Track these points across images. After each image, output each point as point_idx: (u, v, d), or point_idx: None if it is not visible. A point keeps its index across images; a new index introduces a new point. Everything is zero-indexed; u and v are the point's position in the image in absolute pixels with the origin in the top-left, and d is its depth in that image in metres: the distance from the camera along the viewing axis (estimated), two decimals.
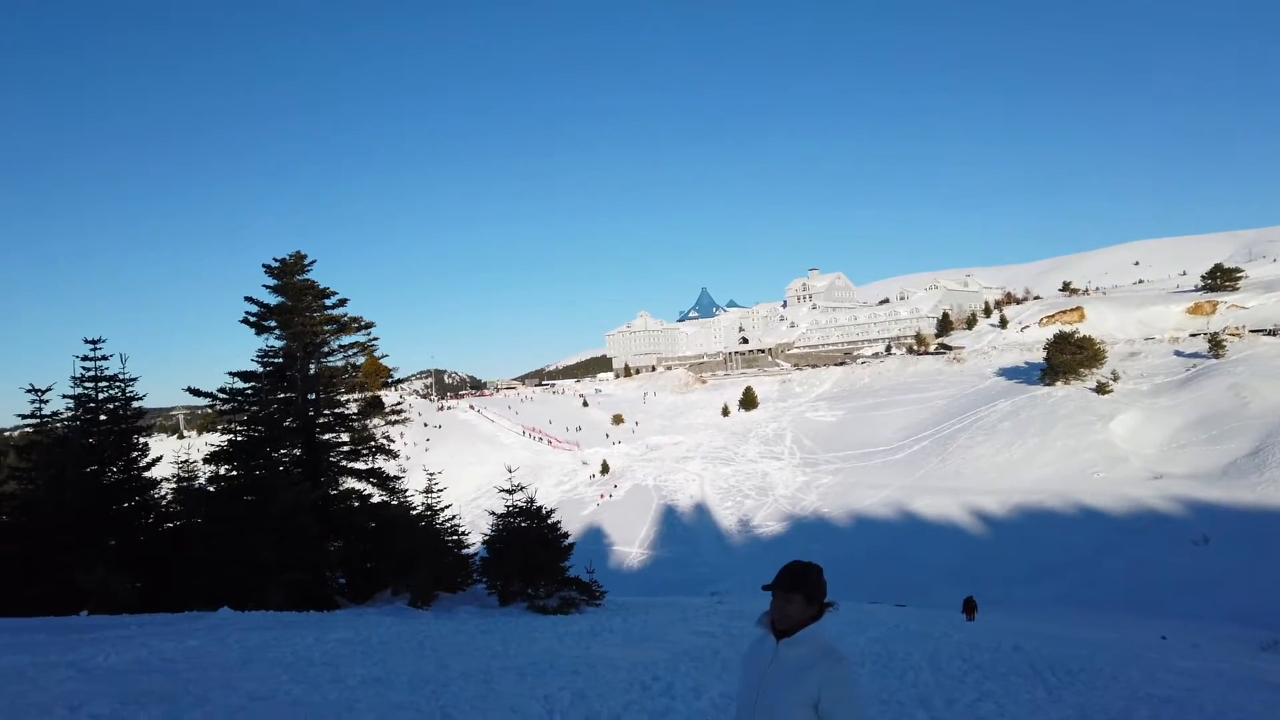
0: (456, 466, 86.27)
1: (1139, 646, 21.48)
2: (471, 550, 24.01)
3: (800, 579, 3.33)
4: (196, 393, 22.75)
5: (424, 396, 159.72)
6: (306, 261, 23.43)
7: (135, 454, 20.21)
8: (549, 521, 20.06)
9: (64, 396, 18.77)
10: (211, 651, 9.81)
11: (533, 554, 18.94)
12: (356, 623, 13.84)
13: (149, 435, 23.07)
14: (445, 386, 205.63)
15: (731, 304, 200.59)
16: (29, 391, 18.31)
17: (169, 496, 20.94)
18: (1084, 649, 19.13)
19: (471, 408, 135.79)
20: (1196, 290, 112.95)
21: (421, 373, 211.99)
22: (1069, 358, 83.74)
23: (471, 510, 58.02)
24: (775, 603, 3.31)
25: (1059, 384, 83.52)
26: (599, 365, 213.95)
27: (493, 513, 20.58)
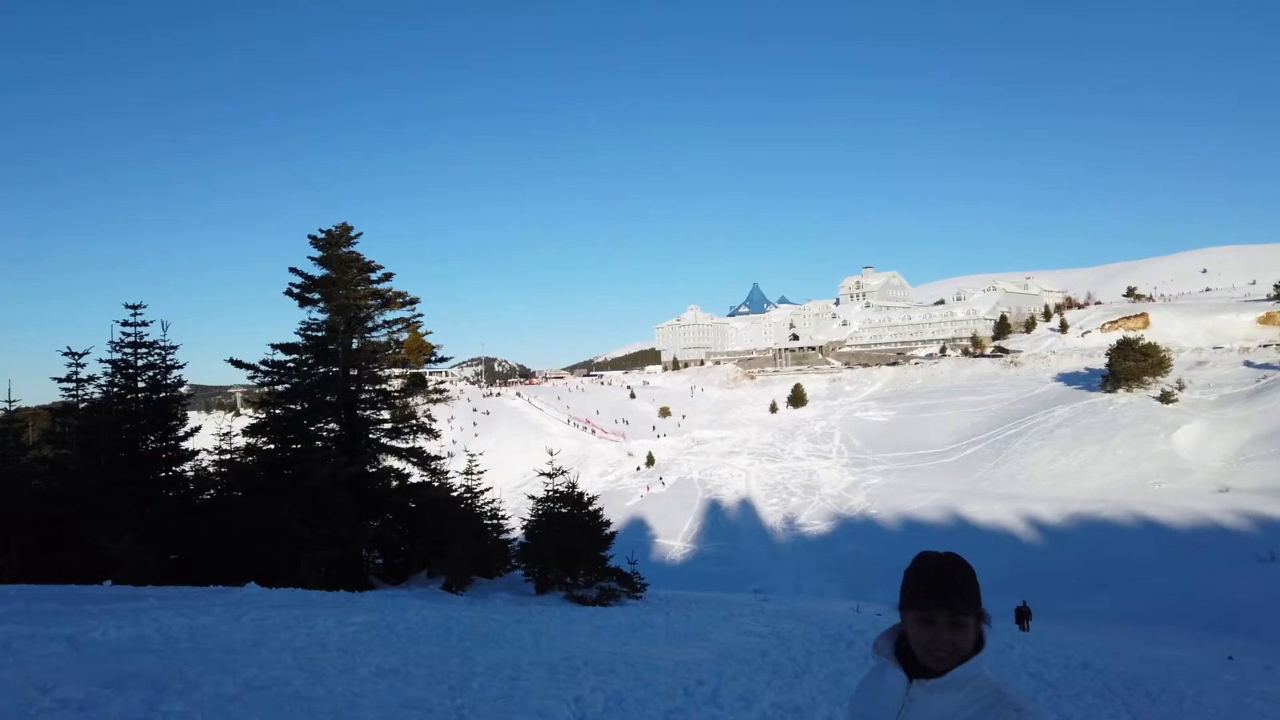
0: (503, 453, 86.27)
1: (1210, 667, 20.17)
2: (512, 536, 23.32)
3: (972, 590, 2.19)
4: (239, 364, 22.30)
5: (474, 383, 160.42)
6: (352, 234, 22.84)
7: (173, 423, 19.81)
8: (590, 508, 19.21)
9: (101, 361, 18.38)
10: (222, 630, 9.12)
11: (572, 541, 18.11)
12: (384, 605, 13.12)
13: (207, 412, 22.79)
14: (495, 374, 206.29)
15: (783, 300, 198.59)
16: (65, 355, 17.95)
17: (210, 469, 20.58)
18: (1155, 667, 17.89)
19: (519, 395, 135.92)
20: (1269, 299, 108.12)
21: (473, 360, 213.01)
22: (1132, 365, 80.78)
23: (516, 497, 57.60)
24: (932, 631, 2.16)
25: (1121, 391, 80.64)
26: (647, 358, 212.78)
27: (532, 496, 19.80)
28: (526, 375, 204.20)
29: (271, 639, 8.76)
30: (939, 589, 2.16)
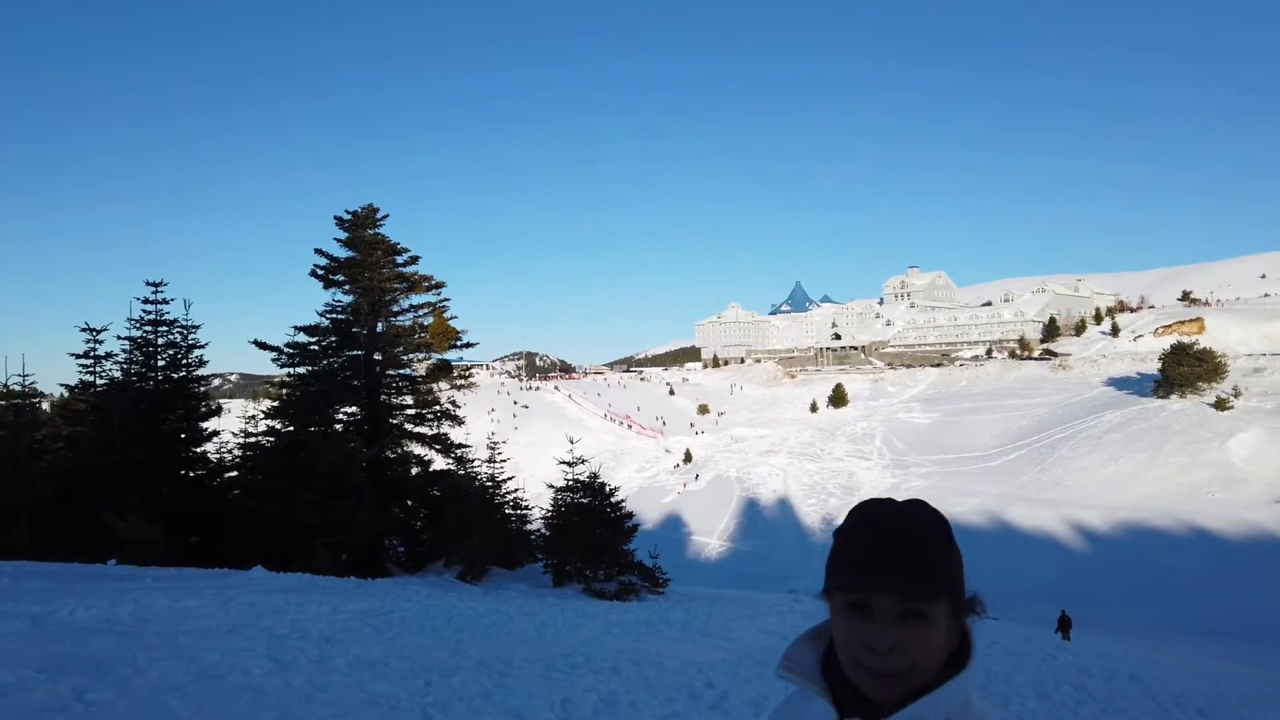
0: (540, 446, 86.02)
1: (1264, 683, 19.04)
2: (535, 527, 22.79)
3: (939, 559, 1.35)
4: (263, 346, 22.01)
5: (514, 377, 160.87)
6: (379, 216, 22.44)
7: (194, 402, 19.52)
8: (612, 500, 18.56)
9: (119, 338, 18.10)
10: (203, 613, 8.62)
11: (592, 533, 17.48)
12: (388, 593, 12.59)
13: (254, 401, 22.61)
14: (536, 368, 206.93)
15: (825, 299, 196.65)
16: (83, 330, 17.70)
17: (234, 449, 20.31)
18: (1206, 682, 16.84)
19: (557, 389, 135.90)
20: None
21: (514, 354, 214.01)
22: (1186, 370, 78.21)
23: (550, 491, 57.14)
24: (867, 628, 1.31)
25: (1174, 397, 78.12)
26: (687, 355, 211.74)
27: (551, 485, 19.21)
28: (567, 370, 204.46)
29: (251, 624, 8.24)
30: (878, 555, 1.31)
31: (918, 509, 1.41)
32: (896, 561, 1.31)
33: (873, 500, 1.43)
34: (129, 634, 7.10)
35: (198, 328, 19.59)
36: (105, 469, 15.90)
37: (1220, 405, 72.50)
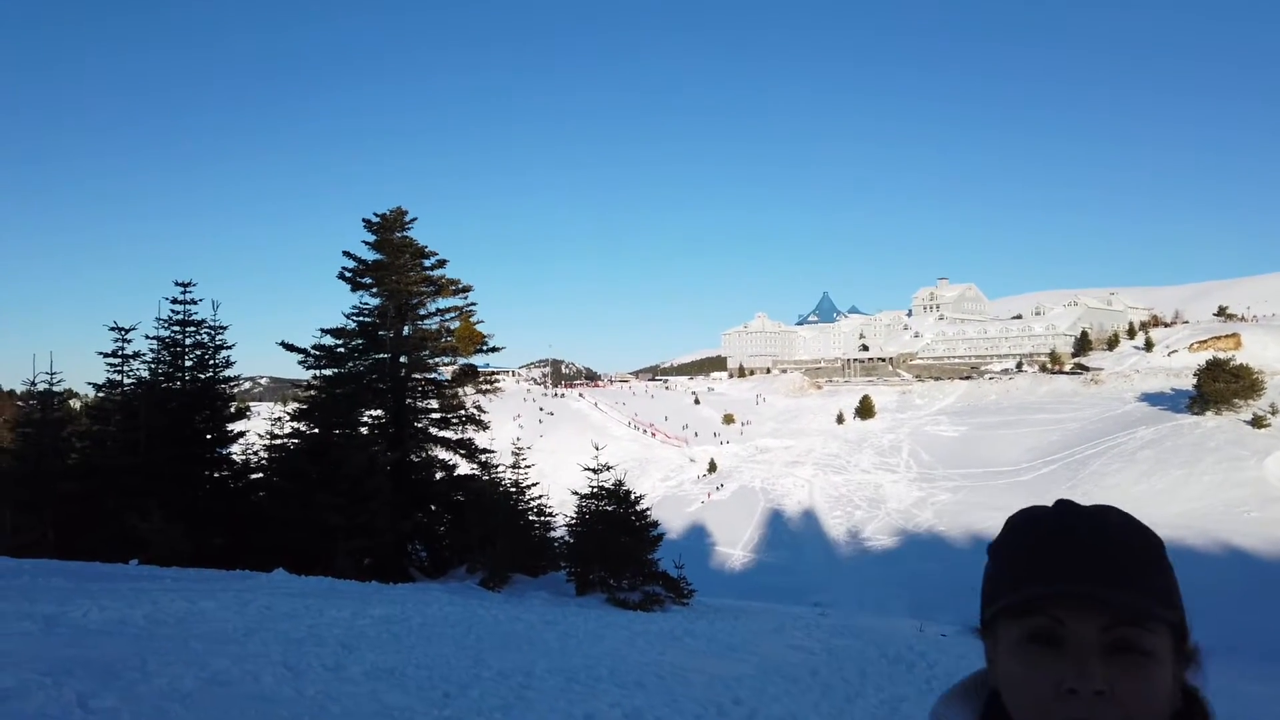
0: (564, 453, 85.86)
1: None
2: (559, 534, 22.54)
3: (1156, 570, 1.00)
4: (290, 348, 22.04)
5: (539, 384, 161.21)
6: (407, 219, 22.41)
7: (220, 403, 19.50)
8: (637, 508, 18.27)
9: (147, 338, 18.10)
10: (221, 616, 8.44)
11: (616, 540, 17.19)
12: (410, 599, 12.37)
13: (284, 405, 22.56)
14: (562, 376, 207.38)
15: (853, 310, 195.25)
16: (112, 330, 17.71)
17: (260, 452, 20.26)
18: (1240, 705, 16.28)
19: (581, 396, 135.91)
20: None
21: (540, 361, 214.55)
22: (1222, 386, 76.65)
23: (574, 498, 56.93)
24: (1061, 666, 0.91)
25: (1209, 414, 76.56)
26: (713, 365, 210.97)
27: (575, 492, 18.96)
28: (592, 378, 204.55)
29: (268, 629, 8.03)
30: (1073, 560, 0.95)
31: (1116, 511, 1.05)
32: (1100, 568, 0.94)
33: (1041, 505, 1.06)
34: (141, 637, 6.91)
35: (226, 329, 19.60)
36: (130, 468, 15.86)
37: (1257, 423, 71.01)
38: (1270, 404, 74.67)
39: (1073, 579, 0.92)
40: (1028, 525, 1.03)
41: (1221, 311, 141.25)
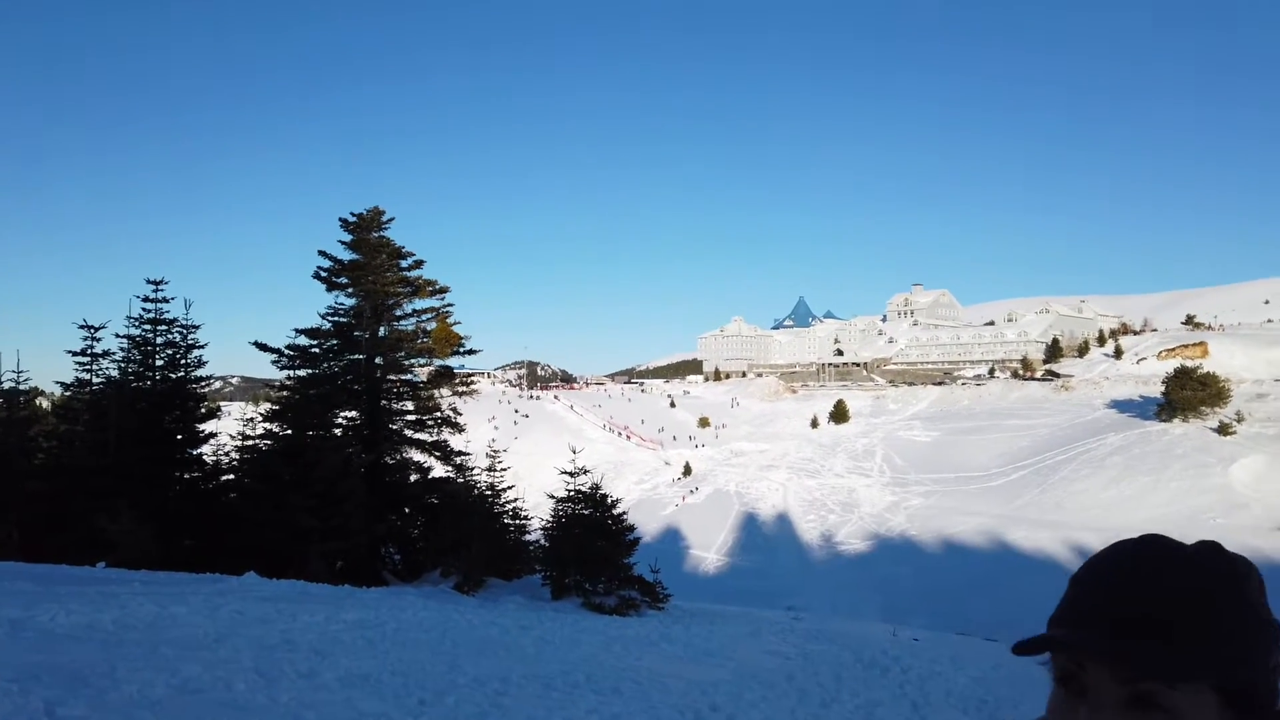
0: (540, 455, 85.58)
1: None
2: (534, 538, 22.43)
3: (1196, 616, 0.92)
4: (263, 347, 21.75)
5: (515, 386, 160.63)
6: (384, 218, 22.20)
7: (191, 404, 19.23)
8: (613, 511, 18.21)
9: (117, 336, 17.81)
10: (191, 621, 8.30)
11: (592, 544, 17.13)
12: (384, 603, 12.25)
13: (255, 405, 22.30)
14: (537, 378, 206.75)
15: (828, 315, 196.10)
16: (81, 328, 17.41)
17: (231, 453, 20.01)
18: None
19: (557, 399, 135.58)
20: None
21: (516, 363, 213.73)
22: (1190, 394, 77.89)
23: (549, 501, 56.56)
24: (1083, 711, 0.93)
25: (1176, 421, 77.79)
26: (689, 368, 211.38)
27: (551, 495, 18.89)
28: (568, 380, 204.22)
29: (239, 634, 7.91)
30: (1091, 608, 0.95)
31: (1183, 550, 1.01)
32: (1113, 620, 0.92)
33: (1126, 539, 1.04)
34: (110, 642, 6.78)
35: (198, 328, 19.33)
36: (99, 469, 15.59)
37: (1223, 430, 72.20)
38: (1236, 412, 75.90)
39: (1095, 627, 0.92)
40: (1094, 560, 1.02)
41: (1190, 320, 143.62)
